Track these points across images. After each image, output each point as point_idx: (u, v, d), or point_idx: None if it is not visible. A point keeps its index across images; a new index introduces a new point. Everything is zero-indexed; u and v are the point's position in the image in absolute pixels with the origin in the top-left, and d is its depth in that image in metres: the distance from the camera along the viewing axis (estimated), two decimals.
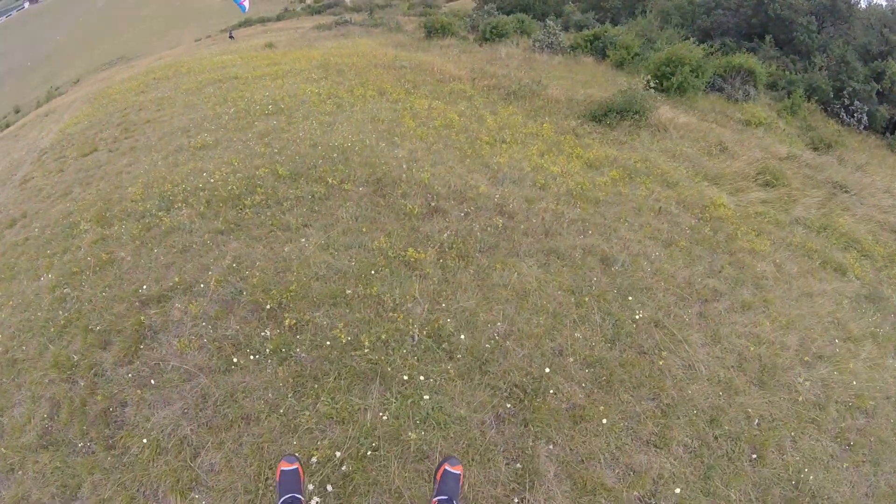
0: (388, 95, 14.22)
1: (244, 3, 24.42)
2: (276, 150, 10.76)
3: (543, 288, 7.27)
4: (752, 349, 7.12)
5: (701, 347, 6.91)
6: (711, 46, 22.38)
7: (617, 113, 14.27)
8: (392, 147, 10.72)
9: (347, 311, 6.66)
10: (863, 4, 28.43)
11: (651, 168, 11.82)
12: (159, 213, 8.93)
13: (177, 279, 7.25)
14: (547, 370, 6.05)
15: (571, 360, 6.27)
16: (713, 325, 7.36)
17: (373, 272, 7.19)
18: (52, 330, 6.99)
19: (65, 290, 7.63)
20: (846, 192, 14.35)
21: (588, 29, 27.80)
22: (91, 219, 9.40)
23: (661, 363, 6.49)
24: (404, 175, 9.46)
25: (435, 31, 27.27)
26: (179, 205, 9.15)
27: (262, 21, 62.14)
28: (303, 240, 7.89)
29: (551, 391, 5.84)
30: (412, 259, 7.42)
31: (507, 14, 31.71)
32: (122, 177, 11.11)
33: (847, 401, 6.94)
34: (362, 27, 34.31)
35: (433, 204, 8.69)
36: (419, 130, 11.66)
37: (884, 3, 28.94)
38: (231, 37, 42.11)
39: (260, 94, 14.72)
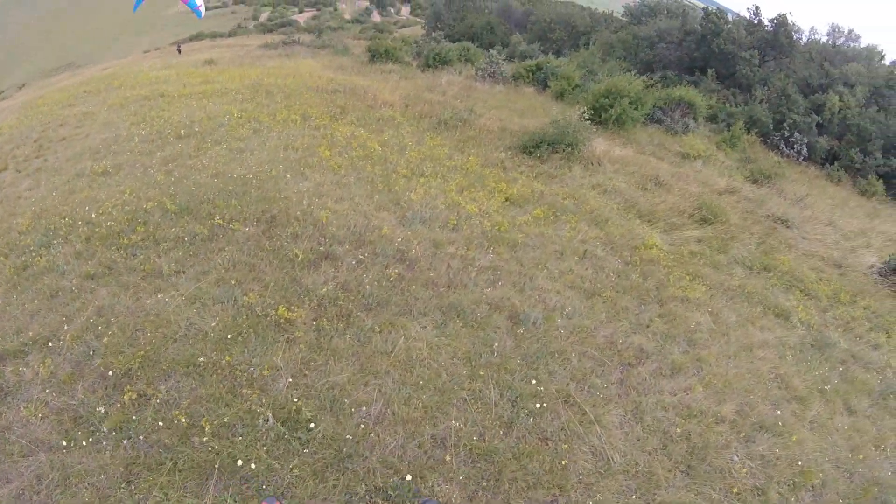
0: (312, 121, 12.74)
1: (199, 9, 23.13)
2: (174, 180, 9.35)
3: (435, 356, 5.84)
4: (679, 426, 5.81)
5: (617, 428, 5.56)
6: (651, 79, 21.40)
7: (548, 145, 12.90)
8: (299, 179, 9.28)
9: (197, 383, 5.24)
10: (804, 39, 27.97)
11: (580, 205, 10.54)
12: (39, 250, 7.63)
13: (32, 332, 5.92)
14: (408, 477, 4.62)
15: (452, 453, 4.87)
16: (635, 396, 6.03)
17: (231, 336, 5.73)
18: None
19: None
20: (787, 226, 13.30)
21: (532, 60, 26.68)
22: None
23: (565, 452, 5.12)
24: (301, 212, 8.02)
25: (378, 55, 25.76)
26: (60, 241, 7.88)
27: (213, 36, 60.45)
28: (169, 291, 6.43)
29: (422, 500, 4.43)
30: (283, 319, 5.96)
31: (455, 42, 30.56)
32: (20, 202, 9.78)
33: (791, 480, 5.74)
34: (309, 48, 32.93)
35: (323, 248, 7.22)
36: (334, 160, 10.24)
37: (824, 39, 28.57)
38: (178, 50, 40.25)
39: (180, 114, 13.19)
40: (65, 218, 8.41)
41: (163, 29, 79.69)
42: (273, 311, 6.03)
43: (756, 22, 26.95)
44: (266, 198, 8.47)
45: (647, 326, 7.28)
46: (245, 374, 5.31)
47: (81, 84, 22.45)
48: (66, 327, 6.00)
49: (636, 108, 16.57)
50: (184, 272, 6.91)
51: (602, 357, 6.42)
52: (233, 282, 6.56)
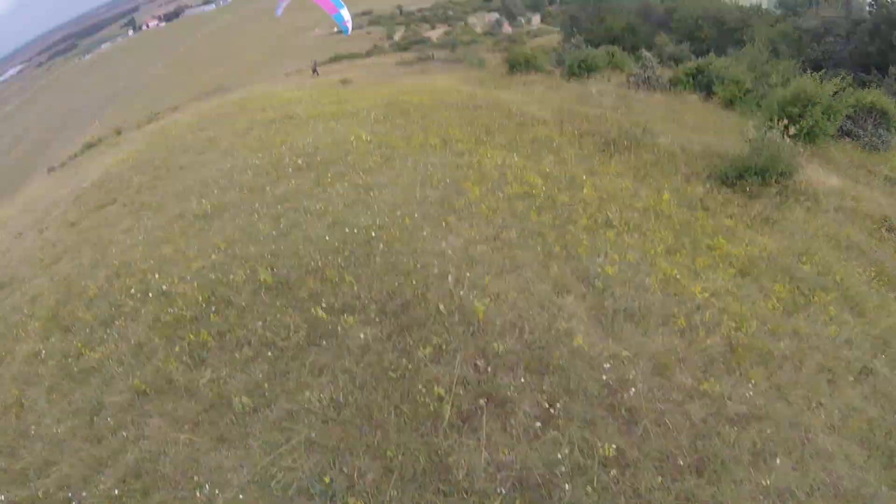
0: (454, 145, 9.82)
1: (346, 25, 22.12)
2: (280, 232, 6.90)
3: None
4: None
5: None
6: (842, 80, 16.26)
7: (756, 174, 9.21)
8: (441, 234, 6.36)
9: None
10: None
11: (824, 273, 6.61)
12: (98, 331, 5.91)
13: (56, 476, 4.21)
14: None
15: None
16: None
17: None
18: None
19: None
20: None
21: (685, 62, 22.19)
22: (42, 317, 6.64)
23: None
24: (445, 302, 5.05)
25: (518, 65, 22.93)
26: (123, 321, 5.92)
27: (351, 57, 59.80)
28: (235, 449, 4.01)
29: None
30: None
31: (595, 47, 26.61)
32: (109, 249, 8.05)
33: None
34: (444, 63, 30.79)
35: (482, 381, 4.09)
36: (485, 202, 7.21)
37: None
38: (315, 71, 38.22)
39: (304, 139, 10.75)
40: (139, 284, 6.48)
41: (304, 54, 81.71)
42: None
43: None
44: (396, 268, 5.68)
45: None
46: None
47: (217, 107, 21.17)
48: (96, 480, 4.11)
49: (828, 119, 12.36)
50: (263, 410, 4.36)
51: None
52: (328, 448, 3.79)
